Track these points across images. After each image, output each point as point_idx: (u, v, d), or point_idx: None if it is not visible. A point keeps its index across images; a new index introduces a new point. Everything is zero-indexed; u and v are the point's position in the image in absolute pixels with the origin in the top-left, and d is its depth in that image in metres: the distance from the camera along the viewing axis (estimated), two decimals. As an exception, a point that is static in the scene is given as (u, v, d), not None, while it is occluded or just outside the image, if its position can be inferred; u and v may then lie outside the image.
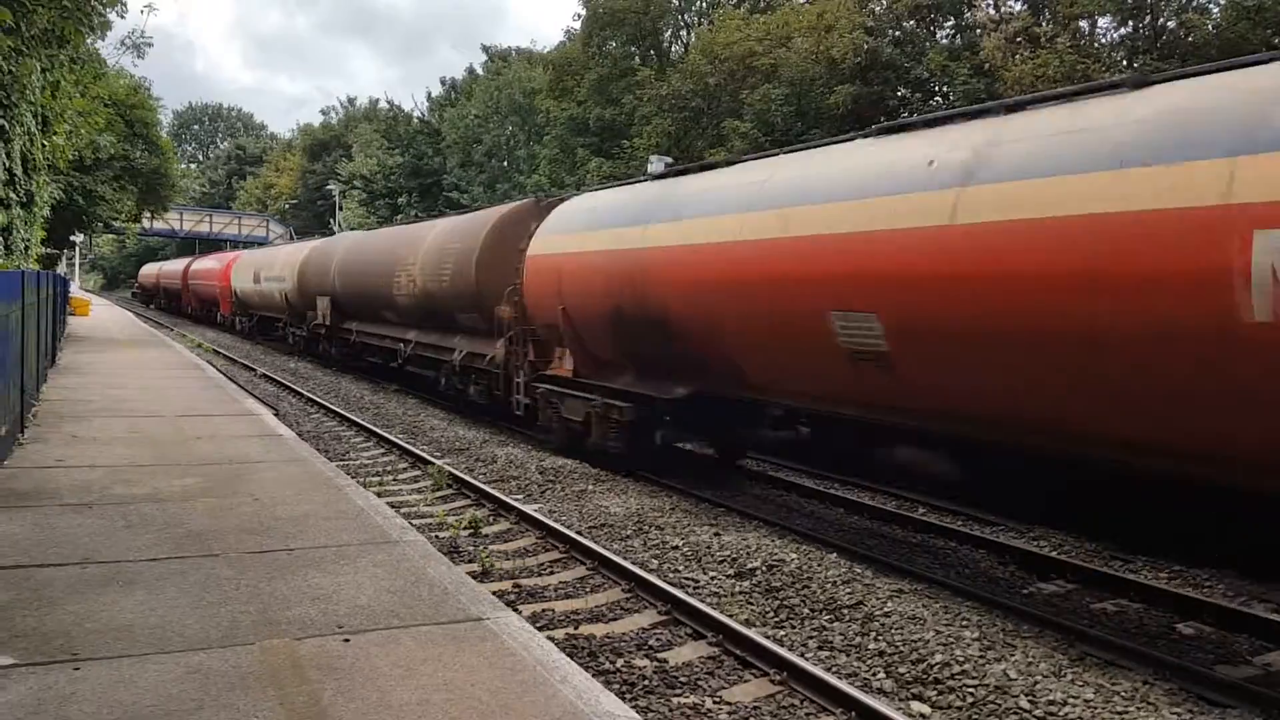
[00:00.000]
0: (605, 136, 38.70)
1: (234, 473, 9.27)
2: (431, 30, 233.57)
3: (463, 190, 52.34)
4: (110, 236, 71.69)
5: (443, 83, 70.27)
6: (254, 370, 26.33)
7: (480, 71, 66.88)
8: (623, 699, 5.76)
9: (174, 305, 62.21)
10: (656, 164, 25.46)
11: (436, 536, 9.43)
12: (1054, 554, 9.10)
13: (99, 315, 43.77)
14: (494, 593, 7.14)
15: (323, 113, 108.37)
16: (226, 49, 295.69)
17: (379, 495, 10.12)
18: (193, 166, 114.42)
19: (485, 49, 68.71)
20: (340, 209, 66.51)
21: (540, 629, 6.65)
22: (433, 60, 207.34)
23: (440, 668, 4.52)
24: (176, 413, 13.35)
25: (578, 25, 43.70)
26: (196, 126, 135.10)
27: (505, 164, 52.88)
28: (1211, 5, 21.73)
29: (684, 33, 43.43)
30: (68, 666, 4.47)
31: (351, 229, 42.83)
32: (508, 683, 4.35)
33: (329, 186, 68.89)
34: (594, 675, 5.63)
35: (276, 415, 14.85)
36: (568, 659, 4.76)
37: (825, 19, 29.31)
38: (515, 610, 7.00)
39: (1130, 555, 8.75)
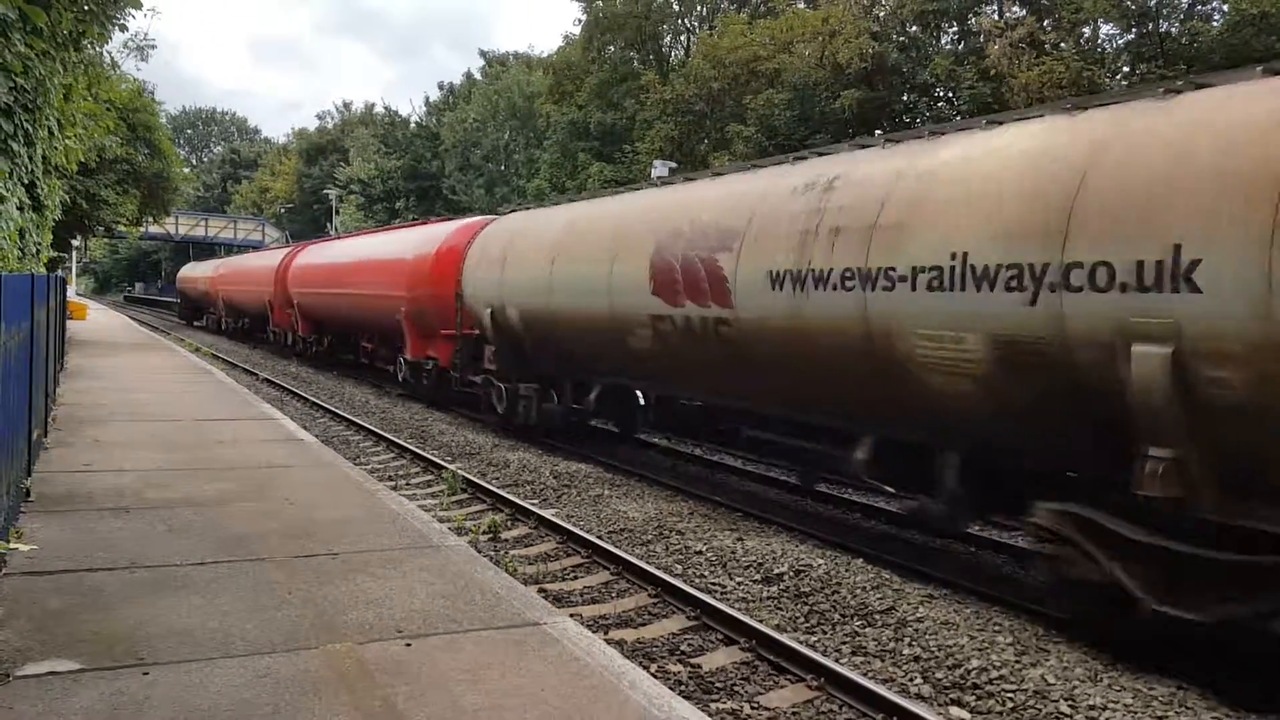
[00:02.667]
0: (606, 141, 38.81)
1: (265, 477, 9.33)
2: (427, 32, 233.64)
3: (461, 194, 52.38)
4: (103, 240, 71.51)
5: (440, 87, 70.44)
6: (255, 375, 26.34)
7: (478, 76, 67.02)
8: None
9: (255, 329, 40.15)
10: (660, 169, 25.51)
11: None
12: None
13: (96, 320, 43.73)
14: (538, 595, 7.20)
15: (318, 117, 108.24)
16: (216, 50, 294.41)
17: (406, 499, 10.16)
18: (188, 170, 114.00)
19: (483, 53, 69.02)
20: (337, 213, 66.52)
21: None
22: (429, 62, 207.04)
23: (507, 672, 4.59)
24: (194, 417, 13.39)
25: (577, 29, 43.83)
26: (190, 131, 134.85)
27: (504, 168, 52.96)
28: (1214, 13, 21.91)
29: (684, 37, 43.57)
30: (136, 671, 4.53)
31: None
32: (576, 688, 4.42)
33: (326, 190, 68.91)
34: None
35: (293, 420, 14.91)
36: (633, 665, 4.83)
37: (830, 24, 29.47)
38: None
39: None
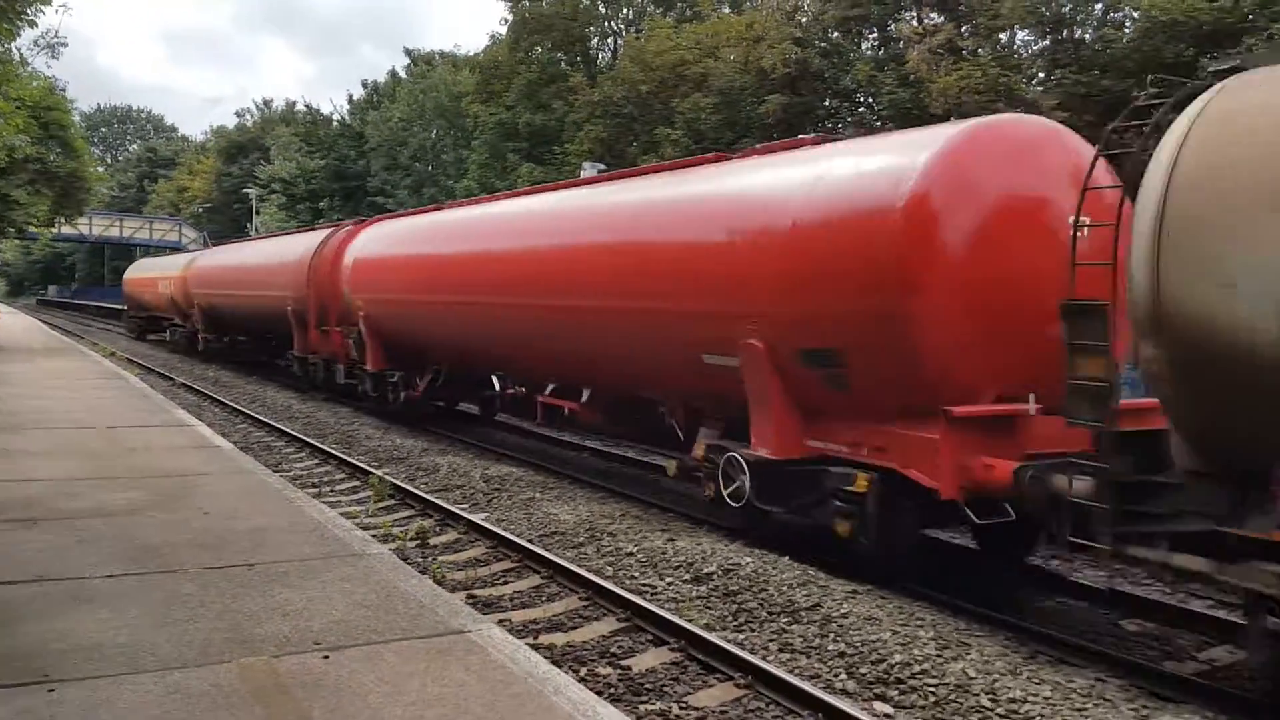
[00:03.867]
0: (536, 142, 38.60)
1: (179, 485, 9.07)
2: (352, 27, 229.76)
3: (388, 194, 51.62)
4: (14, 242, 68.98)
5: (364, 85, 69.22)
6: (173, 380, 25.65)
7: (403, 74, 66.16)
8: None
9: (269, 350, 28.33)
10: (590, 171, 25.51)
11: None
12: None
13: (5, 323, 42.20)
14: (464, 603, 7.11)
15: (238, 114, 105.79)
16: (131, 45, 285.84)
17: (327, 507, 9.96)
18: (102, 170, 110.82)
19: (408, 52, 67.94)
20: (258, 213, 65.07)
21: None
22: (354, 59, 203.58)
23: (429, 683, 4.51)
24: (108, 424, 12.97)
25: (503, 29, 43.49)
26: (105, 129, 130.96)
27: (432, 168, 52.35)
28: (1126, 21, 22.58)
29: (611, 40, 43.58)
30: (41, 689, 4.36)
31: (300, 226, 42.08)
32: (500, 696, 4.36)
33: (246, 190, 67.37)
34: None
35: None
36: (558, 670, 4.79)
37: (755, 30, 29.74)
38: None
39: (1071, 554, 9.07)
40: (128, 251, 77.61)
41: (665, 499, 11.79)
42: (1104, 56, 21.26)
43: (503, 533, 9.85)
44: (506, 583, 8.70)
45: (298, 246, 23.25)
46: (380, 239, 19.16)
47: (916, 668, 6.44)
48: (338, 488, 12.71)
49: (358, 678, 4.57)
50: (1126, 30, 22.19)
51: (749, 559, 8.84)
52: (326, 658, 4.83)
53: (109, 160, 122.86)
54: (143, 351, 36.61)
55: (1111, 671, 6.46)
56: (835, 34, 29.79)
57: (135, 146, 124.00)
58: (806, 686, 6.04)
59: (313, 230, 27.18)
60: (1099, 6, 23.42)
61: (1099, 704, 5.82)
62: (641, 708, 6.05)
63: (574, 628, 7.51)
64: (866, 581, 8.39)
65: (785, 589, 8.06)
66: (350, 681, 4.53)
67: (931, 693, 6.13)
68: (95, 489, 8.75)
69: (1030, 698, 5.88)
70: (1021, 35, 25.32)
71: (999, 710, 5.79)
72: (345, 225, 22.25)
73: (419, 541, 9.88)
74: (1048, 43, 23.99)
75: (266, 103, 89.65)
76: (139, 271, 45.38)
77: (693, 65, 31.19)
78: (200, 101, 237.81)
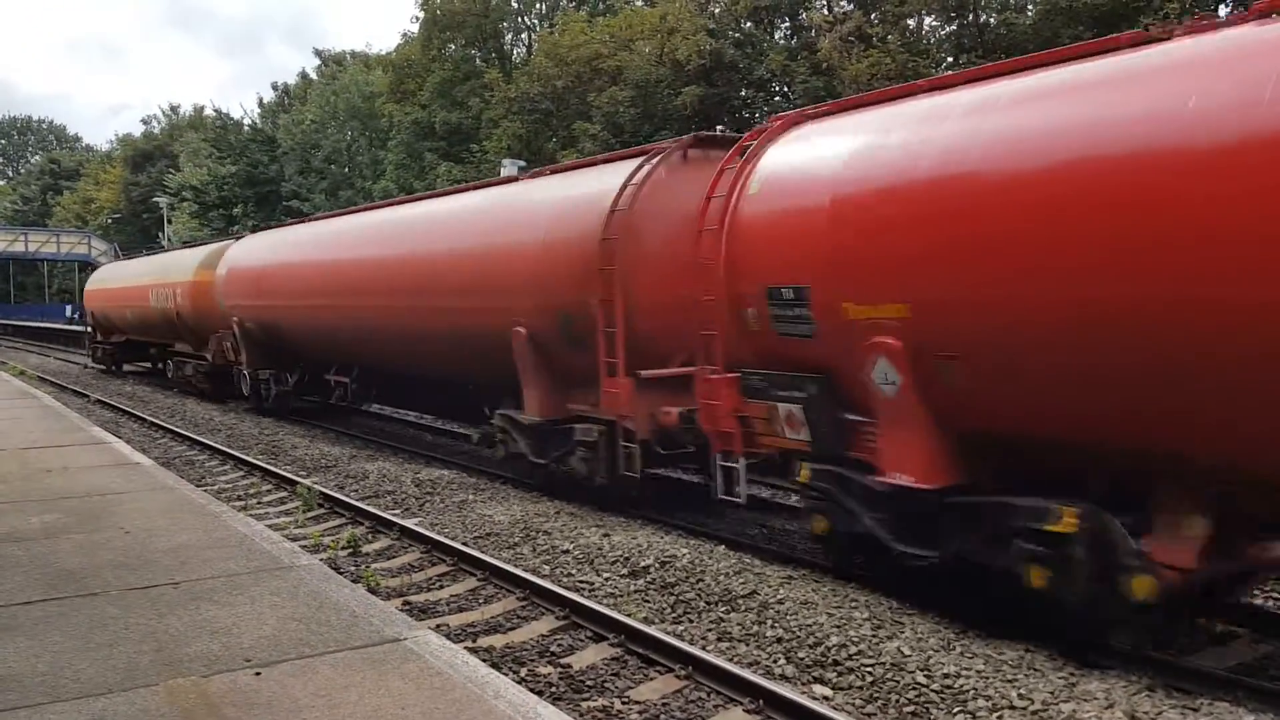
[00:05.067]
0: (453, 140, 38.20)
1: (98, 506, 8.78)
2: (261, 28, 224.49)
3: (303, 199, 50.64)
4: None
5: (275, 88, 67.91)
6: (87, 396, 24.85)
7: (314, 75, 65.00)
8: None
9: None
10: (510, 168, 25.31)
11: (319, 559, 9.16)
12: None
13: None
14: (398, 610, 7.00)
15: (144, 121, 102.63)
16: (27, 53, 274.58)
17: (253, 520, 9.74)
18: (2, 184, 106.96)
19: (318, 52, 66.78)
20: (169, 222, 63.36)
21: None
22: (263, 60, 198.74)
23: (365, 694, 4.44)
24: (20, 445, 12.51)
25: (415, 27, 42.94)
26: (4, 141, 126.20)
27: (348, 170, 51.49)
28: (1029, 5, 23.17)
29: (525, 35, 43.31)
30: (-45, 727, 4.19)
31: (184, 242, 40.80)
32: (439, 703, 4.31)
33: (156, 199, 65.51)
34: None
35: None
36: (497, 673, 4.74)
37: (668, 22, 29.81)
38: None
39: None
40: (33, 267, 74.83)
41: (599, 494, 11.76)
42: (1007, 40, 21.80)
43: (437, 536, 9.75)
44: (442, 587, 8.61)
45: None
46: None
47: (853, 649, 6.54)
48: (265, 499, 12.45)
49: (291, 693, 4.48)
50: (1029, 13, 22.76)
51: (685, 550, 8.88)
52: (258, 674, 4.72)
53: (10, 173, 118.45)
54: (54, 369, 35.38)
55: (1040, 642, 6.62)
56: (748, 24, 30.03)
57: (37, 158, 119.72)
58: (746, 674, 6.09)
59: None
60: (1002, -9, 24.04)
61: (1029, 674, 5.97)
62: (584, 705, 6.04)
63: (513, 628, 7.46)
64: (802, 567, 8.50)
65: (722, 578, 8.12)
66: (284, 697, 4.44)
67: (868, 672, 6.22)
68: (8, 513, 8.42)
69: (964, 672, 6.01)
70: (929, 21, 25.80)
71: (934, 686, 5.90)
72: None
73: (351, 550, 9.72)
74: (954, 27, 24.49)
75: (174, 108, 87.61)
76: (110, 279, 32.07)
77: (608, 59, 31.15)
78: (104, 109, 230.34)
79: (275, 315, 18.99)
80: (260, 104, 69.03)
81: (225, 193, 59.45)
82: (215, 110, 77.35)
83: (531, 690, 6.17)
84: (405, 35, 46.88)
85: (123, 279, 30.22)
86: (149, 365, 31.58)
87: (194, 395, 24.88)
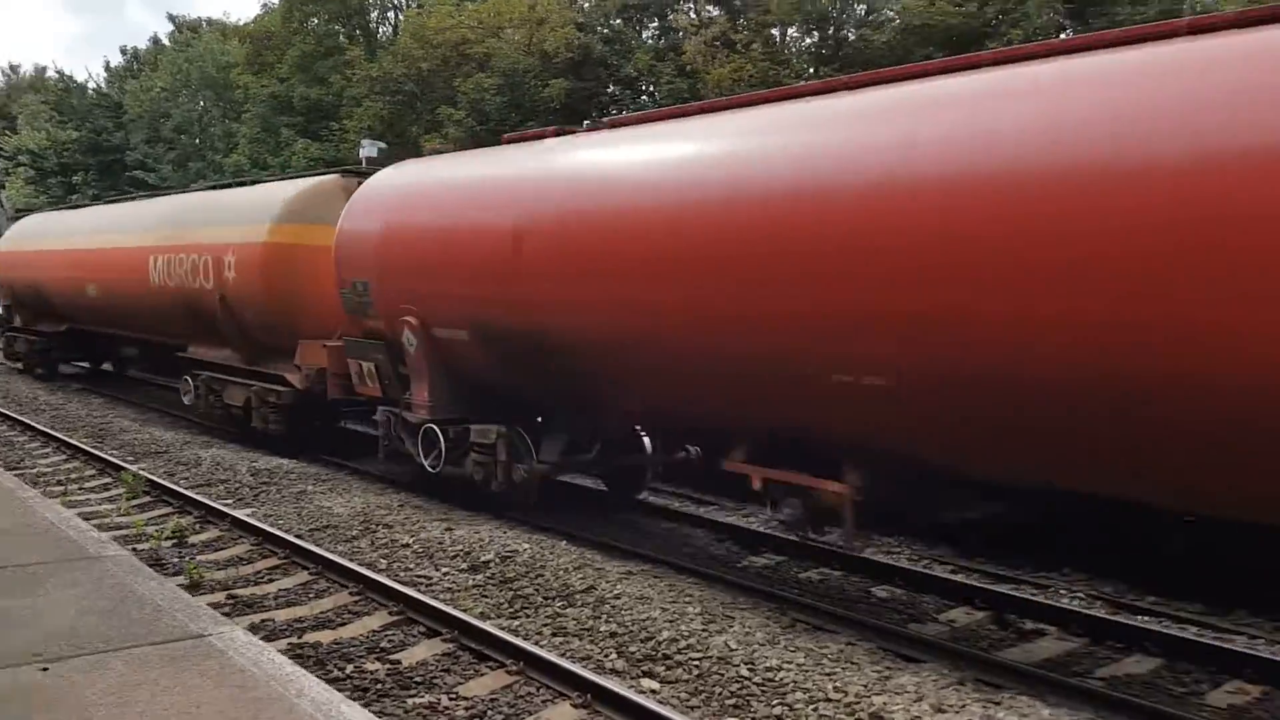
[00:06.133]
0: (312, 117, 36.89)
1: (-115, 491, 8.11)
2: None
3: (149, 169, 48.01)
4: None
5: (123, 52, 64.24)
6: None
7: (167, 42, 61.81)
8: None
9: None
10: (370, 149, 24.61)
11: (135, 549, 8.66)
12: (761, 529, 9.70)
13: None
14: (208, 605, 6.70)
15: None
16: None
17: (64, 506, 9.19)
18: None
19: (172, 18, 63.55)
20: (2, 186, 59.21)
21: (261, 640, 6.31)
22: (118, 19, 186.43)
23: (159, 692, 4.20)
24: None
25: (277, -1, 41.29)
26: None
27: (199, 142, 49.12)
28: (885, 23, 23.97)
29: (391, 14, 42.23)
30: None
31: (18, 210, 38.07)
32: (238, 702, 4.12)
33: (-13, 163, 61.08)
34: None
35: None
36: (303, 671, 4.57)
37: (537, 12, 29.54)
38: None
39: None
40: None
41: (447, 487, 11.54)
42: (864, 54, 22.50)
43: (267, 528, 9.40)
44: (272, 581, 8.31)
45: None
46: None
47: (683, 643, 6.62)
48: (86, 485, 11.77)
49: (79, 690, 4.21)
50: (887, 31, 23.56)
51: (526, 545, 8.82)
52: (45, 670, 4.42)
53: None
54: None
55: (861, 636, 6.84)
56: (617, 20, 30.06)
57: None
58: (575, 668, 6.08)
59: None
60: (861, 8, 24.78)
61: (846, 667, 6.15)
62: (409, 701, 5.92)
63: (342, 624, 7.26)
64: (644, 562, 8.55)
65: (561, 573, 8.10)
66: (70, 694, 4.17)
67: (695, 666, 6.30)
68: None
69: (785, 665, 6.15)
70: (791, 31, 26.41)
71: (756, 679, 6.02)
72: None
73: (176, 541, 9.27)
74: (815, 39, 25.14)
75: (14, 68, 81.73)
76: (47, 235, 21.21)
77: (475, 44, 30.63)
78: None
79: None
80: (107, 68, 65.12)
81: (66, 159, 55.93)
82: (58, 71, 72.77)
83: (357, 688, 6.04)
84: (265, 5, 44.95)
85: (79, 236, 19.26)
86: (87, 365, 22.94)
87: (245, 439, 14.57)
